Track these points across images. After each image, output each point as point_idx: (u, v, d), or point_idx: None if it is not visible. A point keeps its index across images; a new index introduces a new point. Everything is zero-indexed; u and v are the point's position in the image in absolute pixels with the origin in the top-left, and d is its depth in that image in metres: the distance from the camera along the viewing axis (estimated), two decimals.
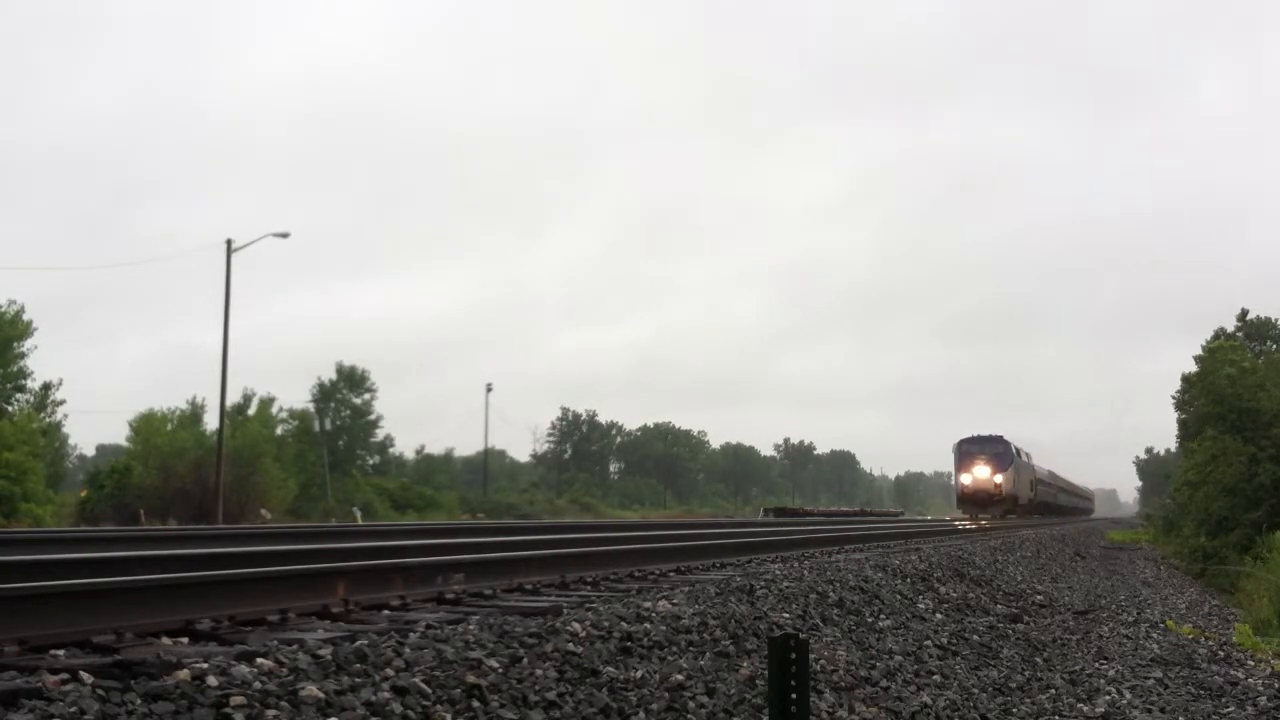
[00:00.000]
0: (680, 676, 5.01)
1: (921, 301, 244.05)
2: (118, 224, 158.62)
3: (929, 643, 7.65)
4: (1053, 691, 7.50)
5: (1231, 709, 7.64)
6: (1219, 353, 37.38)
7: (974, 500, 50.26)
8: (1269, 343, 52.38)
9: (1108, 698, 7.56)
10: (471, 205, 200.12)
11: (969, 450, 51.80)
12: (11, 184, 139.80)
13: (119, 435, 59.47)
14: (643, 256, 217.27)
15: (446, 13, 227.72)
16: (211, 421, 50.82)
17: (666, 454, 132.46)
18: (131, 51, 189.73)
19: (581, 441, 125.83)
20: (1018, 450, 54.74)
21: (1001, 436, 52.48)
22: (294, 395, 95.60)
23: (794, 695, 4.30)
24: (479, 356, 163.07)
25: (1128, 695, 7.73)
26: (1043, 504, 65.57)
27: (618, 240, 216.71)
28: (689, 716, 4.66)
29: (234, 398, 56.70)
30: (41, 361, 69.74)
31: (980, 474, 50.71)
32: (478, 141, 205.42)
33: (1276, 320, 54.42)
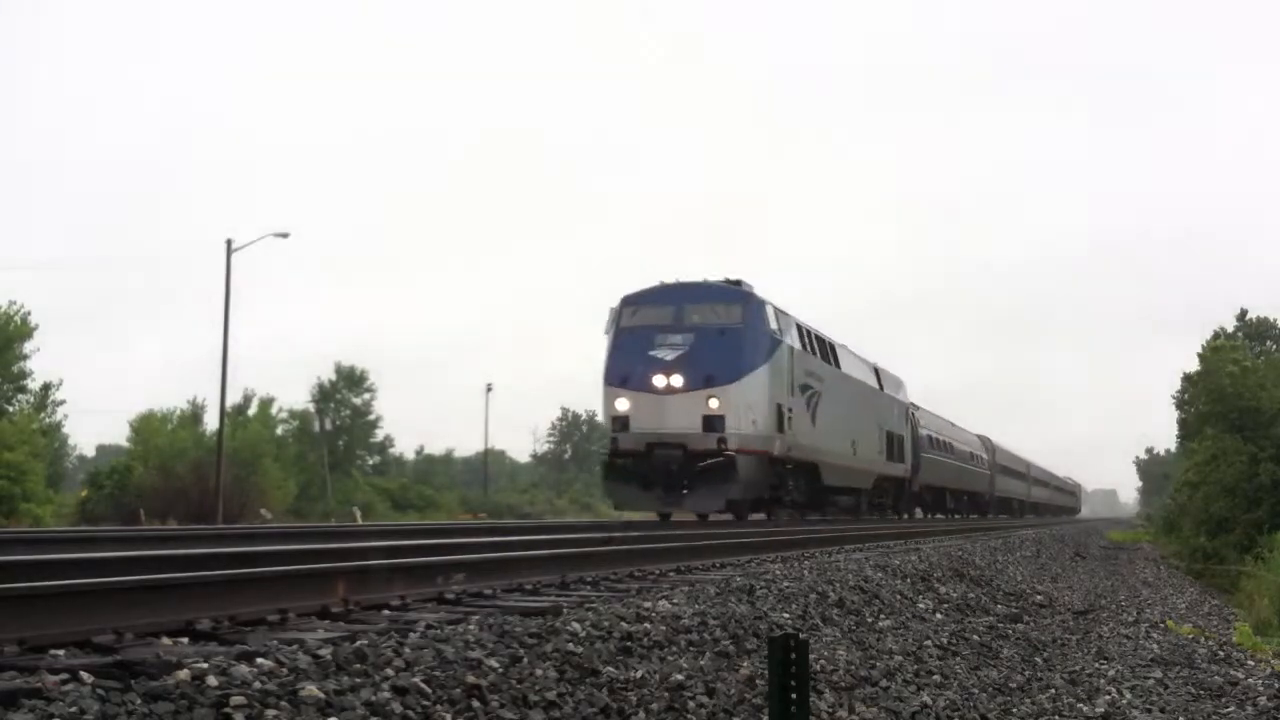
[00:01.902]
0: (680, 676, 5.01)
1: (939, 305, 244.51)
2: (136, 227, 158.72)
3: (929, 643, 7.65)
4: (1053, 691, 7.50)
5: (1231, 709, 7.64)
6: (1220, 352, 37.36)
7: (641, 468, 19.22)
8: (1269, 343, 52.33)
9: (1108, 698, 7.56)
10: (486, 206, 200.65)
11: (638, 329, 20.17)
12: (42, 186, 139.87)
13: (119, 435, 59.53)
14: (659, 258, 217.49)
15: (457, 13, 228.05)
16: (211, 422, 50.95)
17: None
18: (158, 56, 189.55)
19: (582, 441, 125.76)
20: (805, 335, 22.81)
21: (740, 286, 20.95)
22: (295, 396, 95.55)
23: (794, 695, 4.30)
24: (484, 358, 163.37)
25: (1128, 695, 7.73)
26: (937, 490, 37.37)
27: (635, 240, 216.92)
28: (689, 716, 4.66)
29: (234, 398, 56.76)
30: (52, 362, 69.95)
31: (667, 386, 19.39)
32: (496, 143, 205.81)
33: (1276, 320, 54.39)
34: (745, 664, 5.50)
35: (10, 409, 45.24)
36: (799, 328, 22.20)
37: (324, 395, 72.45)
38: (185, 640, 4.44)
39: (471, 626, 4.93)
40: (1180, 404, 49.91)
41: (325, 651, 4.01)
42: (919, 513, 37.23)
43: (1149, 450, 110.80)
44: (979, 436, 48.00)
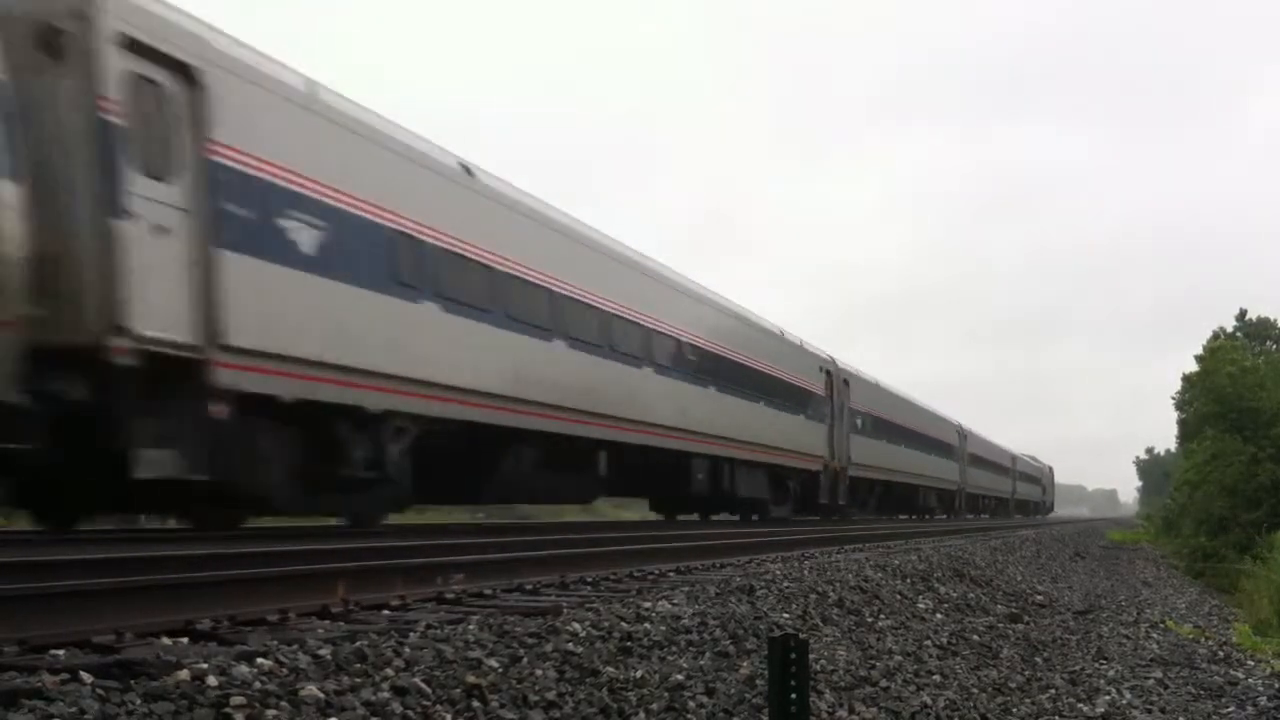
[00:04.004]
0: (680, 676, 5.01)
1: (952, 304, 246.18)
2: None
3: (929, 643, 7.65)
4: (1053, 691, 7.50)
5: (1231, 709, 7.64)
6: (1219, 352, 37.32)
7: None
8: (1269, 343, 52.27)
9: (1108, 698, 7.56)
10: None
11: None
12: None
13: None
14: (688, 258, 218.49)
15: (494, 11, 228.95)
16: None
17: None
18: None
19: None
20: None
21: None
22: None
23: (794, 695, 4.31)
24: None
25: (1128, 695, 7.73)
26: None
27: (665, 242, 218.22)
28: (689, 716, 4.66)
29: None
30: None
31: None
32: (528, 142, 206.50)
33: (1276, 320, 54.33)
34: (745, 664, 5.50)
35: None
36: None
37: None
38: (185, 640, 4.44)
39: (471, 626, 4.93)
40: (1180, 405, 49.88)
41: (325, 651, 4.01)
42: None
43: (1149, 450, 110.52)
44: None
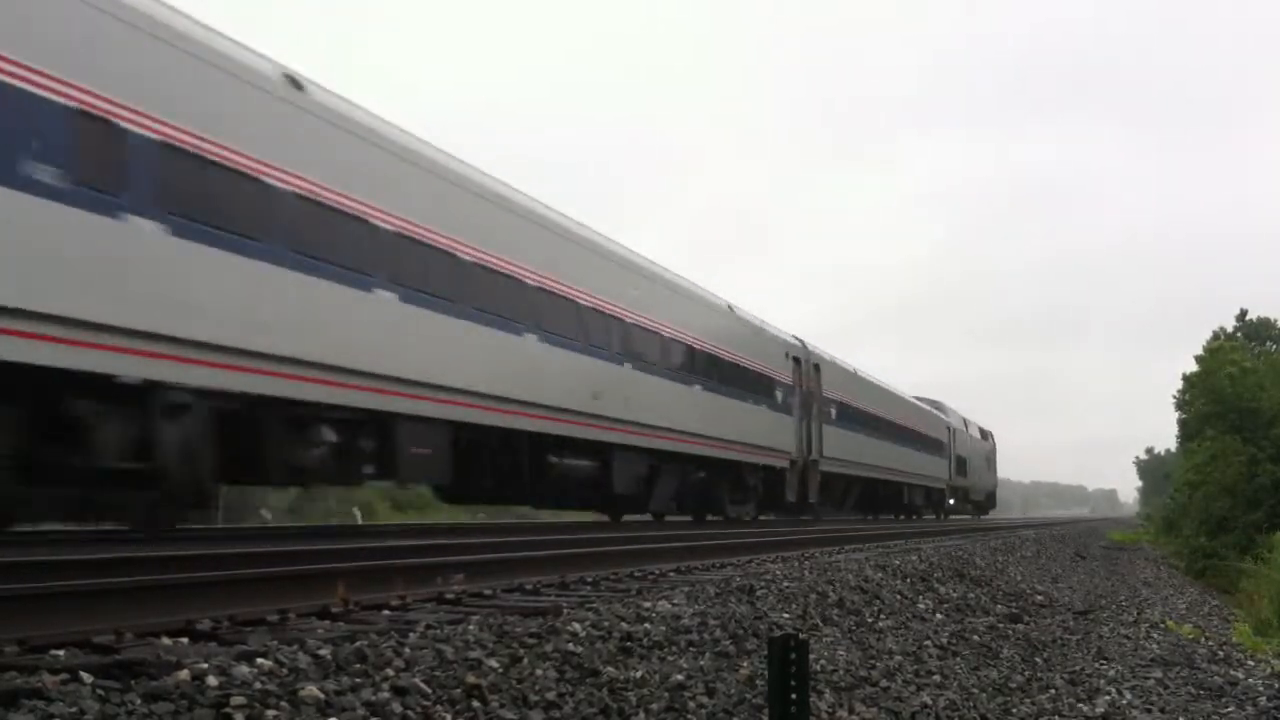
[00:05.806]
0: (680, 676, 5.01)
1: (953, 306, 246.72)
2: None
3: (929, 643, 7.65)
4: (1053, 691, 7.50)
5: (1231, 709, 7.64)
6: (1219, 353, 37.32)
7: None
8: (1269, 343, 52.25)
9: (1108, 698, 7.56)
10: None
11: None
12: None
13: None
14: (709, 259, 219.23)
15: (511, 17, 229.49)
16: None
17: None
18: None
19: None
20: None
21: None
22: None
23: (794, 695, 4.31)
24: None
25: (1128, 695, 7.73)
26: None
27: (688, 242, 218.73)
28: (689, 716, 4.66)
29: None
30: None
31: None
32: (555, 144, 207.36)
33: (1276, 320, 54.30)
34: (745, 664, 5.50)
35: None
36: None
37: None
38: (185, 640, 4.44)
39: (471, 626, 4.93)
40: (1180, 405, 49.80)
41: (325, 651, 4.01)
42: None
43: (1149, 450, 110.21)
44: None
